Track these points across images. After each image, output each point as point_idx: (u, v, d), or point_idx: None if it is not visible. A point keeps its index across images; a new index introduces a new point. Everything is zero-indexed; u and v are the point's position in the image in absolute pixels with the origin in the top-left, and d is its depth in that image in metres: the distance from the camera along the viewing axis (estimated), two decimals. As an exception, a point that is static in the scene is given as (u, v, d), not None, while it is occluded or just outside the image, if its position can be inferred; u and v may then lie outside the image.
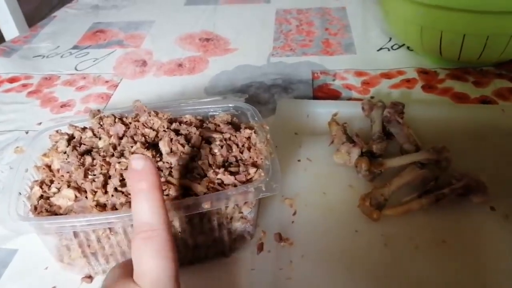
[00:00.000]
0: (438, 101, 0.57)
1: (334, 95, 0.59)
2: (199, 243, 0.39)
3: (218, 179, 0.37)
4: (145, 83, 0.67)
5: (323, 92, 0.60)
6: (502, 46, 0.56)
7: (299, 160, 0.48)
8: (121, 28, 0.84)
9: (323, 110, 0.53)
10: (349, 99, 0.58)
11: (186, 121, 0.43)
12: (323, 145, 0.50)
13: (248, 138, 0.41)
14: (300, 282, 0.37)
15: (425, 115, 0.52)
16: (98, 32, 0.84)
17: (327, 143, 0.49)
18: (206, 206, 0.35)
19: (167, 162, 0.38)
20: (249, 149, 0.40)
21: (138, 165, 0.30)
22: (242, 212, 0.38)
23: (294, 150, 0.50)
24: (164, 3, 0.92)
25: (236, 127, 0.42)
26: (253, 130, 0.41)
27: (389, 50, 0.69)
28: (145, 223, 0.29)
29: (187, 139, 0.40)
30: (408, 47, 0.68)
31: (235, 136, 0.41)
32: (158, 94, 0.64)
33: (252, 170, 0.37)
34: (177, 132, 0.41)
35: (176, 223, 0.37)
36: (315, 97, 0.59)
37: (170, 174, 0.37)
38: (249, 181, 0.37)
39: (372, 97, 0.58)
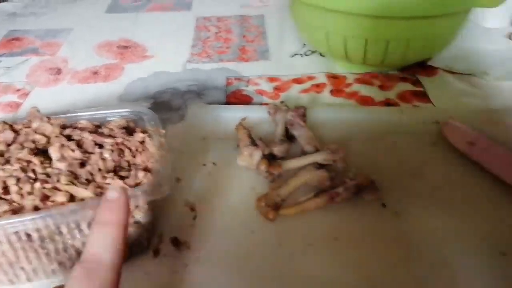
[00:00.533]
0: (343, 104, 0.59)
1: (245, 101, 0.60)
2: (91, 250, 0.38)
3: (106, 183, 0.37)
4: (58, 91, 0.65)
5: (236, 98, 0.61)
6: (402, 51, 0.59)
7: (204, 165, 0.49)
8: (38, 36, 0.81)
9: (233, 115, 0.54)
10: (260, 104, 0.59)
11: (81, 127, 0.42)
12: (230, 149, 0.50)
13: (142, 142, 0.41)
14: (193, 285, 0.37)
15: (330, 117, 0.54)
16: (14, 39, 0.81)
17: (233, 147, 0.50)
18: (90, 210, 0.34)
19: (56, 168, 0.37)
20: (142, 153, 0.40)
21: (113, 196, 0.31)
22: (134, 217, 0.38)
23: (200, 154, 0.50)
24: (84, 11, 0.90)
25: (131, 132, 0.42)
26: (147, 134, 0.41)
27: (302, 56, 0.70)
28: (95, 254, 0.28)
29: (80, 144, 0.40)
30: (320, 53, 0.70)
31: (128, 140, 0.40)
32: (71, 102, 0.62)
33: (140, 174, 0.37)
34: (70, 138, 0.41)
35: (64, 230, 0.36)
36: (227, 103, 0.60)
37: (58, 180, 0.36)
38: (138, 185, 0.37)
39: (282, 102, 0.59)
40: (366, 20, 0.56)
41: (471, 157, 0.47)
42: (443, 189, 0.45)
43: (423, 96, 0.60)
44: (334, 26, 0.59)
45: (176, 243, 0.40)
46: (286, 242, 0.40)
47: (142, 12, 0.89)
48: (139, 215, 0.38)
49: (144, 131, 0.42)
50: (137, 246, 0.40)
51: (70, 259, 0.37)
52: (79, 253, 0.37)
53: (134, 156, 0.40)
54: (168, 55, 0.72)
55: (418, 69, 0.66)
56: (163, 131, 0.42)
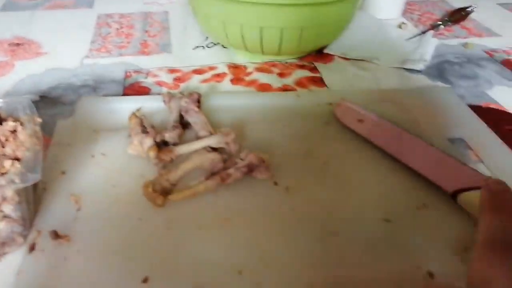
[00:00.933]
0: (242, 91, 0.59)
1: (144, 92, 0.58)
2: (-46, 250, 0.35)
3: (-33, 175, 0.34)
4: None
5: (134, 90, 0.59)
6: (296, 39, 0.60)
7: (93, 156, 0.46)
8: None
9: (127, 106, 0.52)
10: (158, 94, 0.58)
11: None
12: (122, 139, 0.48)
13: (14, 131, 0.38)
14: (72, 278, 0.35)
15: (227, 104, 0.54)
16: None
17: (125, 138, 0.48)
18: None
19: None
20: (12, 142, 0.37)
21: (497, 188, 0.32)
22: (3, 211, 0.35)
23: (90, 146, 0.47)
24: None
25: (1, 121, 0.39)
26: (19, 123, 0.38)
27: (204, 48, 0.70)
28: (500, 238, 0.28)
29: None
30: (222, 45, 0.70)
31: (-3, 130, 0.37)
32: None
33: (7, 163, 0.35)
34: None
35: None
36: (125, 95, 0.58)
37: None
38: (3, 174, 0.34)
39: (181, 92, 0.58)
40: (260, 8, 0.56)
41: (360, 134, 0.49)
42: (333, 164, 0.46)
43: (319, 82, 0.61)
44: (230, 15, 0.58)
45: (55, 236, 0.38)
46: (175, 227, 0.39)
47: (40, 10, 0.84)
48: (9, 208, 0.35)
49: (16, 120, 0.39)
50: (9, 243, 0.37)
51: None
52: None
53: (3, 146, 0.37)
54: (64, 51, 0.69)
55: (316, 57, 0.67)
56: (39, 120, 0.40)
